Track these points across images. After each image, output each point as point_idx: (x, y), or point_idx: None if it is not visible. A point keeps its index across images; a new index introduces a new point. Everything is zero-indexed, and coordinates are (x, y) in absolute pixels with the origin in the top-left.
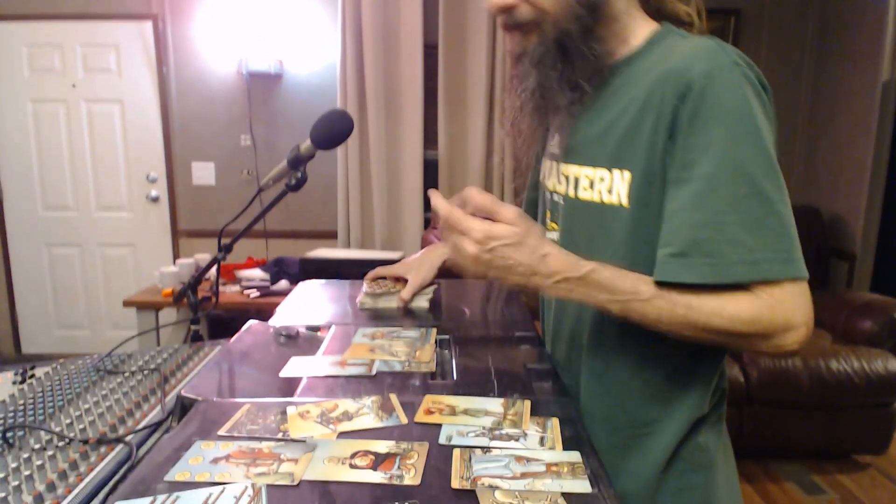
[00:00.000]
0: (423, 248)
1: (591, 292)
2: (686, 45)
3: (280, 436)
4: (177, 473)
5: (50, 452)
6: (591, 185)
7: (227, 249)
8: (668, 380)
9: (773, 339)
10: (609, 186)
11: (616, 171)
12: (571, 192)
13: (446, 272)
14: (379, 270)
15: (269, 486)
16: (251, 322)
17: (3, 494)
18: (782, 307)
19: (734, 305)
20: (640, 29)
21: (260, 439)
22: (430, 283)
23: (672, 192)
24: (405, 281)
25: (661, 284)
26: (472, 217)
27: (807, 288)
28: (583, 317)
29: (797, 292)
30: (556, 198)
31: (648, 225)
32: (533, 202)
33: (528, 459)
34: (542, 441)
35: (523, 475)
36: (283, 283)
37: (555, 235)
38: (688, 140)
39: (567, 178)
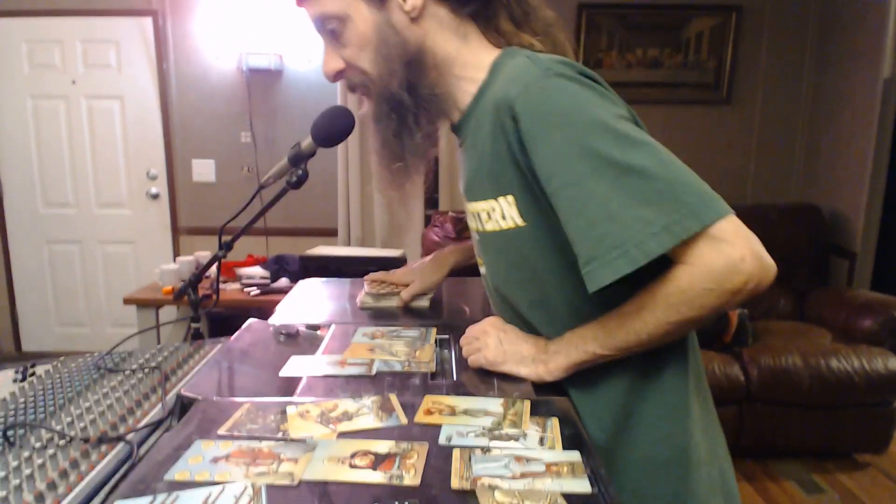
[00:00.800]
0: (423, 245)
1: (579, 349)
2: (510, 69)
3: (280, 435)
4: (176, 473)
5: (51, 451)
6: (489, 216)
7: (227, 247)
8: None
9: (726, 288)
10: (501, 214)
11: (501, 199)
12: (480, 227)
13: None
14: (380, 275)
15: (269, 486)
16: (251, 320)
17: (3, 493)
18: (710, 257)
19: (671, 283)
20: (481, 59)
21: (260, 439)
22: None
23: (556, 207)
24: (403, 285)
25: (604, 304)
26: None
27: (730, 223)
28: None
29: (718, 234)
30: (475, 236)
31: (546, 234)
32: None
33: (528, 459)
34: (541, 441)
35: (523, 475)
36: (283, 281)
37: (483, 270)
38: (539, 156)
39: (473, 215)
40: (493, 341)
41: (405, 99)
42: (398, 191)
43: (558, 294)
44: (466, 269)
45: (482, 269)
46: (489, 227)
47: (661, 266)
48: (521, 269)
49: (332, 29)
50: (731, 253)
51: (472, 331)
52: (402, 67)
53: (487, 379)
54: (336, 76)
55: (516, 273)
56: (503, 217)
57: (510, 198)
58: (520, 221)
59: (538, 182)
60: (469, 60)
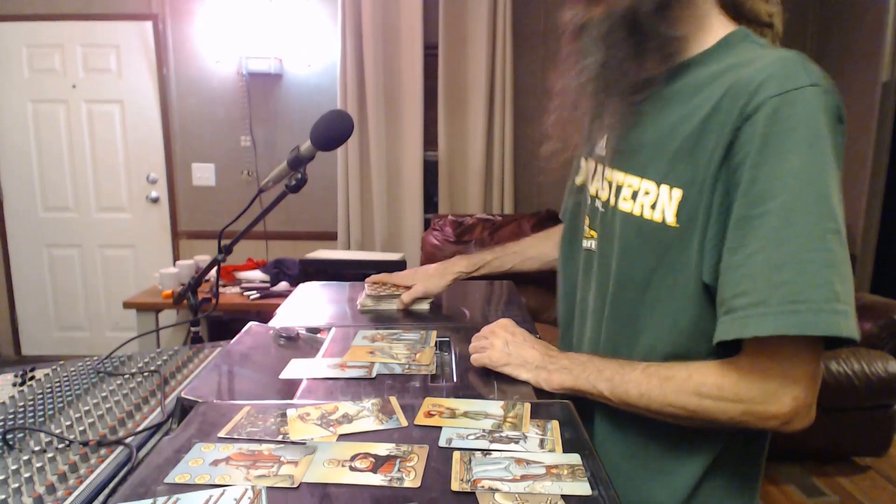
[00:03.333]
0: (422, 248)
1: (588, 381)
2: (764, 55)
3: (280, 438)
4: (177, 475)
5: (50, 454)
6: (634, 196)
7: (227, 251)
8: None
9: (748, 418)
10: (653, 201)
11: (665, 187)
12: (612, 201)
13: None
14: (382, 277)
15: (269, 489)
16: (251, 324)
17: (2, 496)
18: (767, 372)
19: (707, 377)
20: (715, 26)
21: (260, 441)
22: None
23: (735, 229)
24: (405, 288)
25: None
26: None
27: (817, 358)
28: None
29: (809, 362)
30: (597, 203)
31: (693, 249)
32: (572, 209)
33: (528, 462)
34: (541, 444)
35: (523, 478)
36: (282, 285)
37: (592, 243)
38: (763, 169)
39: (611, 184)
40: (500, 342)
41: (648, 24)
42: (588, 117)
43: (651, 313)
44: (471, 277)
45: (586, 242)
46: (624, 206)
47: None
48: (636, 264)
49: None
50: (793, 389)
51: (483, 331)
52: None
53: (488, 381)
54: None
55: (629, 265)
56: (653, 206)
57: (678, 192)
58: (672, 221)
59: (712, 191)
60: (703, 17)
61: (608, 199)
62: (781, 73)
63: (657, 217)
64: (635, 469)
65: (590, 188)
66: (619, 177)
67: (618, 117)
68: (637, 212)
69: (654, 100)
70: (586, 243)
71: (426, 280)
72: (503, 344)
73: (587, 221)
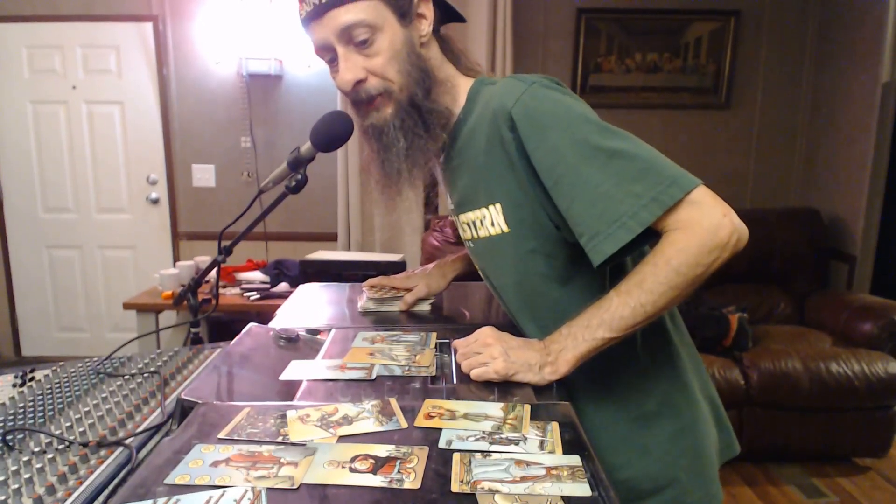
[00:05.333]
0: (422, 249)
1: (587, 339)
2: (495, 89)
3: (280, 439)
4: (177, 476)
5: (50, 455)
6: (481, 223)
7: (227, 252)
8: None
9: (717, 242)
10: (491, 221)
11: (490, 207)
12: (475, 235)
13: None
14: (380, 280)
15: (269, 490)
16: (251, 325)
17: (2, 497)
18: (697, 217)
19: (670, 247)
20: (461, 87)
21: (260, 443)
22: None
23: (555, 197)
24: (406, 289)
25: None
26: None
27: (704, 190)
28: None
29: (698, 198)
30: (469, 244)
31: (527, 239)
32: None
33: (528, 463)
34: (541, 445)
35: (523, 479)
36: (282, 286)
37: (483, 275)
38: (538, 154)
39: (466, 225)
40: (499, 352)
41: (425, 106)
42: (399, 195)
43: (542, 296)
44: (465, 274)
45: (483, 276)
46: (482, 233)
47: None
48: (508, 272)
49: (363, 39)
50: (712, 212)
51: (469, 345)
52: (423, 77)
53: (487, 383)
54: (355, 86)
55: (504, 276)
56: (492, 224)
57: (498, 206)
58: (504, 228)
59: (530, 189)
60: (455, 84)
61: (472, 236)
62: (509, 90)
63: (497, 230)
64: (608, 447)
65: (463, 236)
66: (466, 217)
67: (445, 180)
68: (487, 234)
69: (454, 158)
70: (480, 273)
71: (427, 280)
72: (503, 353)
73: (475, 260)
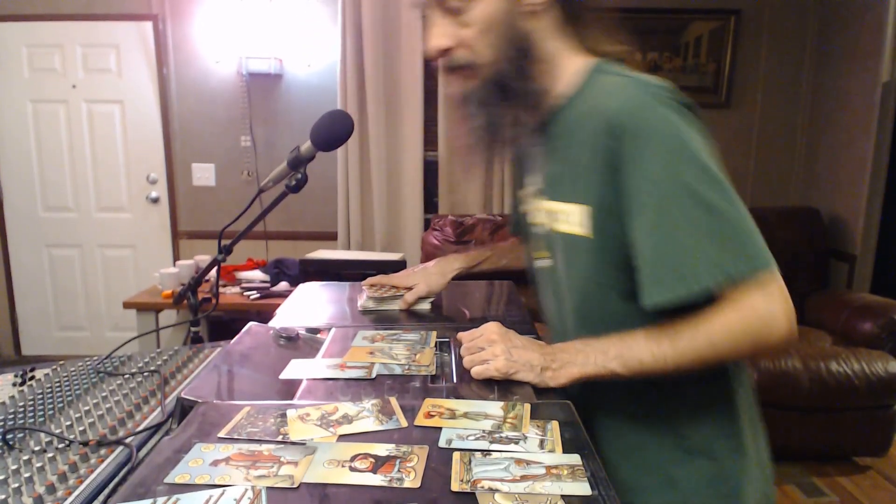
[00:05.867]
0: (422, 248)
1: (597, 364)
2: (614, 85)
3: (280, 438)
4: (177, 476)
5: (50, 454)
6: (566, 218)
7: (227, 251)
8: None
9: (762, 334)
10: (577, 221)
11: (578, 206)
12: (551, 225)
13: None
14: (380, 279)
15: (269, 489)
16: (251, 324)
17: (2, 496)
18: (756, 301)
19: (717, 318)
20: (572, 67)
21: (260, 442)
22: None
23: (630, 224)
24: (406, 288)
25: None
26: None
27: (775, 277)
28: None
29: (763, 284)
30: (540, 230)
31: (609, 252)
32: (516, 225)
33: (528, 462)
34: (541, 444)
35: (523, 478)
36: (283, 285)
37: (547, 262)
38: (633, 176)
39: (545, 212)
40: (501, 350)
41: (513, 85)
42: (481, 166)
43: (599, 307)
44: (470, 275)
45: (542, 262)
46: (561, 227)
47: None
48: (577, 275)
49: (457, 6)
50: (773, 305)
51: (474, 340)
52: (517, 54)
53: (488, 382)
54: (440, 54)
55: (572, 278)
56: (578, 224)
57: (587, 209)
58: (589, 233)
59: (621, 199)
60: (566, 63)
61: (548, 224)
62: (623, 96)
63: (580, 231)
64: (634, 469)
65: (533, 217)
66: (548, 205)
67: (533, 161)
68: (569, 230)
69: (550, 140)
70: (539, 262)
71: (427, 278)
72: (505, 352)
73: (538, 245)
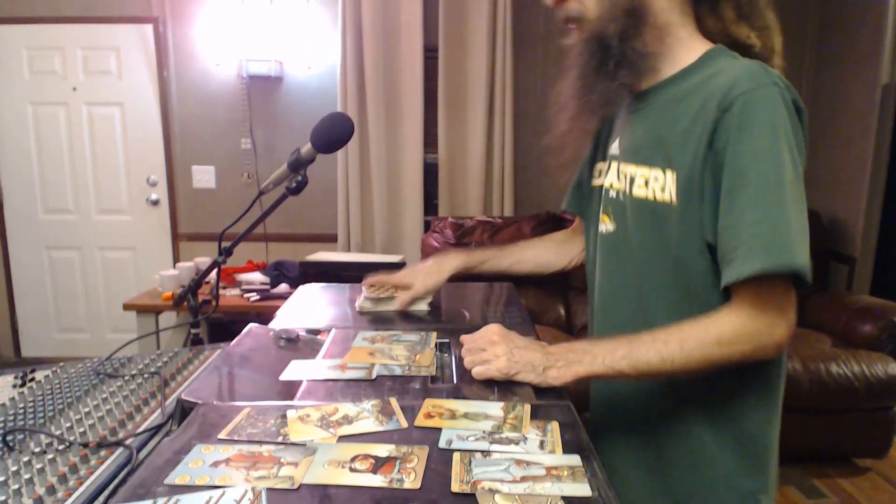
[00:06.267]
0: (422, 250)
1: (605, 364)
2: (734, 64)
3: (280, 439)
4: (177, 477)
5: (50, 456)
6: (646, 183)
7: (227, 253)
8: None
9: (758, 343)
10: (662, 185)
11: (669, 171)
12: (627, 190)
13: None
14: (380, 279)
15: (269, 490)
16: (251, 325)
17: (3, 497)
18: (765, 307)
19: (720, 324)
20: (693, 46)
21: (260, 443)
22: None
23: (728, 200)
24: (405, 287)
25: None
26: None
27: (789, 289)
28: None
29: (785, 291)
30: (612, 194)
31: (691, 222)
32: (576, 200)
33: (529, 463)
34: (542, 445)
35: (523, 479)
36: (283, 287)
37: (610, 227)
38: (738, 149)
39: (625, 176)
40: (503, 351)
41: (614, 45)
42: (575, 122)
43: (659, 276)
44: (468, 276)
45: (606, 227)
46: (638, 192)
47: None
48: (652, 242)
49: None
50: (778, 313)
51: (475, 341)
52: (624, 16)
53: (488, 383)
54: (557, 3)
55: (647, 244)
56: (662, 189)
57: (674, 174)
58: (674, 199)
59: (702, 172)
60: (683, 39)
61: (623, 189)
62: (748, 76)
63: (666, 197)
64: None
65: (605, 182)
66: (631, 169)
67: (622, 124)
68: (650, 196)
69: (653, 107)
70: (602, 228)
71: (424, 278)
72: (507, 352)
73: (604, 210)
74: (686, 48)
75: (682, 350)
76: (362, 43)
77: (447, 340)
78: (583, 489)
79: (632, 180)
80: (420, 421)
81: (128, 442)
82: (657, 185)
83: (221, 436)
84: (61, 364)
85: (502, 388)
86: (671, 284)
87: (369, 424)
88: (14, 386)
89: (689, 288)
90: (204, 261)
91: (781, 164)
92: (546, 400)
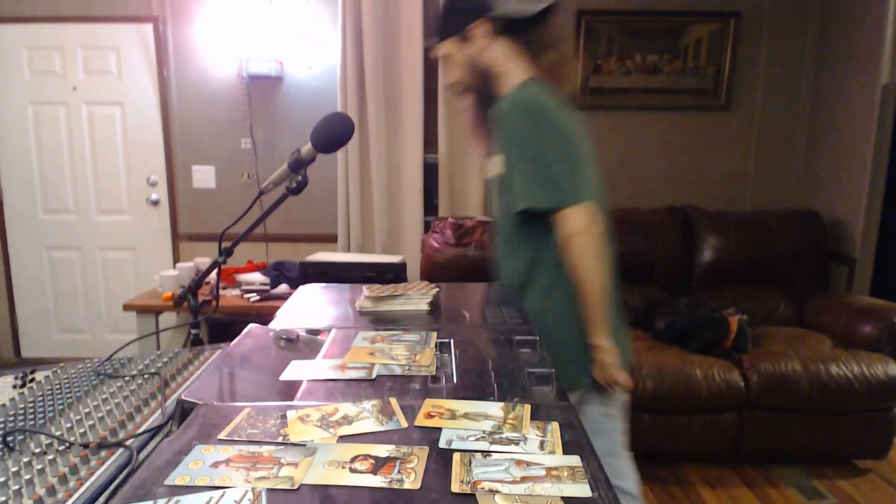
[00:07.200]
0: (422, 250)
1: (595, 328)
2: (512, 89)
3: (280, 440)
4: (177, 477)
5: (50, 456)
6: (495, 164)
7: (227, 253)
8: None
9: (565, 232)
10: (498, 164)
11: (499, 155)
12: (493, 173)
13: (446, 276)
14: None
15: (269, 490)
16: (251, 326)
17: (3, 498)
18: (567, 219)
19: (571, 253)
20: (514, 80)
21: (260, 443)
22: (431, 287)
23: (505, 161)
24: (405, 285)
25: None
26: None
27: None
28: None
29: (583, 208)
30: (491, 176)
31: (505, 185)
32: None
33: (529, 464)
34: (542, 445)
35: (523, 479)
36: (283, 287)
37: (496, 197)
38: (500, 140)
39: (491, 164)
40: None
41: (485, 95)
42: (484, 144)
43: (503, 223)
44: (465, 275)
45: (494, 200)
46: (493, 171)
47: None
48: (502, 197)
49: (446, 55)
50: (577, 222)
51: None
52: (481, 77)
53: (488, 383)
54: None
55: (497, 205)
56: (499, 166)
57: (501, 156)
58: (502, 171)
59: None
60: (514, 75)
61: (492, 175)
62: (506, 98)
63: (500, 171)
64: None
65: (489, 174)
66: (494, 158)
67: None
68: (495, 173)
69: (496, 119)
70: (494, 201)
71: None
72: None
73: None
74: (509, 83)
75: (589, 284)
76: (362, 43)
77: (447, 340)
78: (583, 490)
79: (493, 164)
80: (420, 421)
81: (128, 443)
82: (497, 164)
83: (221, 436)
84: (61, 364)
85: (502, 388)
86: (511, 221)
87: (369, 425)
88: (14, 386)
89: (517, 222)
90: (204, 261)
91: (517, 146)
92: (547, 400)
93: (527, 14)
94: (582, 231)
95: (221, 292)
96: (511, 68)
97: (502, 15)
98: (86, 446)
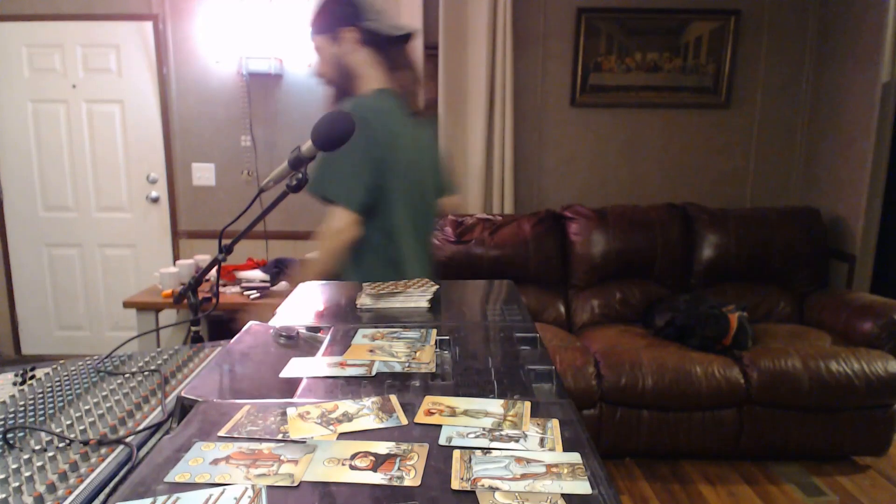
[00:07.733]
0: None
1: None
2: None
3: (280, 437)
4: (177, 475)
5: (50, 453)
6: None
7: (227, 250)
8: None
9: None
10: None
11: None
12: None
13: (446, 273)
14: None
15: (269, 488)
16: (251, 323)
17: (3, 495)
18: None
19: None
20: (369, 86)
21: (260, 440)
22: (431, 284)
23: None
24: (406, 284)
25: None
26: None
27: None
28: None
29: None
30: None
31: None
32: None
33: (528, 461)
34: (542, 442)
35: (523, 476)
36: (282, 284)
37: None
38: None
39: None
40: None
41: (343, 91)
42: None
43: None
44: (465, 272)
45: None
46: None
47: None
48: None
49: (317, 48)
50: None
51: None
52: (343, 75)
53: (488, 380)
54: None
55: None
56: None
57: None
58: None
59: None
60: (366, 84)
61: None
62: (358, 95)
63: None
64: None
65: None
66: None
67: None
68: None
69: None
70: None
71: None
72: None
73: None
74: (368, 86)
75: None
76: None
77: (447, 337)
78: (583, 487)
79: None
80: (420, 418)
81: (128, 440)
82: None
83: (221, 433)
84: (61, 361)
85: (502, 385)
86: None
87: (369, 422)
88: (14, 383)
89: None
90: (204, 258)
91: (330, 156)
92: (547, 397)
93: (390, 34)
94: (335, 232)
95: (221, 289)
96: (370, 74)
97: (369, 28)
98: (86, 443)
